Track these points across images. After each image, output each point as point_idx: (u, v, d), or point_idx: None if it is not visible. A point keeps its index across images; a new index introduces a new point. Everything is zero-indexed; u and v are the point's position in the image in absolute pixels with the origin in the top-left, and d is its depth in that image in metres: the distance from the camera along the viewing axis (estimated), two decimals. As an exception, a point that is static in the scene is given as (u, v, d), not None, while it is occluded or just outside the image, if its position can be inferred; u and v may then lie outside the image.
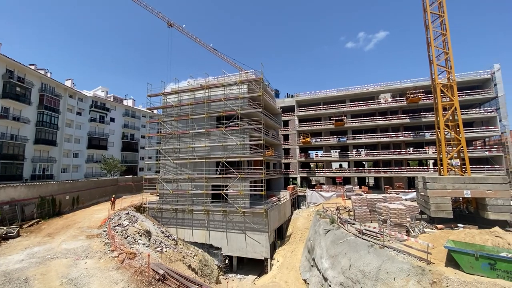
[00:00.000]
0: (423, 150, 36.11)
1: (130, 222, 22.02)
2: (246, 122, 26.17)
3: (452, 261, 10.66)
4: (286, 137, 44.39)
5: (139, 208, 28.00)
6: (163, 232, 23.12)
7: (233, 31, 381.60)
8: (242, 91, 26.63)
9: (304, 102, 43.87)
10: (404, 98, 36.88)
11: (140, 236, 20.34)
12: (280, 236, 27.43)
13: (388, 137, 37.61)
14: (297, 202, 35.32)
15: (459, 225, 14.59)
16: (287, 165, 43.61)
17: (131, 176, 43.76)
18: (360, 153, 41.10)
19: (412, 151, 37.78)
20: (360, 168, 41.25)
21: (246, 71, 32.66)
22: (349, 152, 40.04)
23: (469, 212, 16.19)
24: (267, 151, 30.74)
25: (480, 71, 35.12)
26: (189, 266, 19.06)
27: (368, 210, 18.88)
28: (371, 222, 18.04)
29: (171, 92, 29.67)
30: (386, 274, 11.57)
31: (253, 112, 26.51)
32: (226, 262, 23.38)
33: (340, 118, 39.33)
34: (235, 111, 25.61)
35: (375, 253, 13.09)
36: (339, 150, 44.80)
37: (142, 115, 60.55)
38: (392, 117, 37.93)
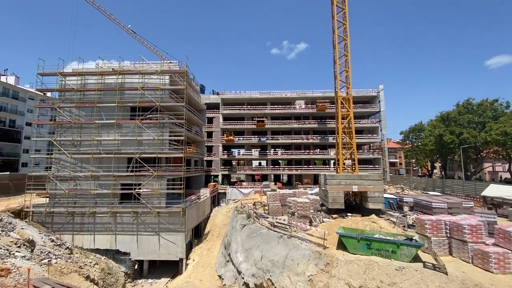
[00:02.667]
0: (327, 152, 42.20)
1: (2, 230, 17.34)
2: (167, 116, 24.50)
3: (341, 245, 12.78)
4: (209, 134, 43.92)
5: (19, 213, 22.38)
6: (53, 241, 19.18)
7: (160, 21, 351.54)
8: (163, 81, 24.76)
9: (229, 101, 44.42)
10: (315, 106, 42.08)
11: (19, 247, 16.27)
12: (197, 234, 26.92)
13: (300, 139, 42.22)
14: (217, 200, 35.43)
15: (348, 214, 17.67)
16: (210, 163, 43.22)
17: (8, 173, 34.49)
18: (277, 152, 44.63)
19: (319, 152, 43.51)
20: (276, 166, 44.81)
21: (169, 61, 30.60)
22: (267, 151, 42.88)
23: (356, 203, 19.83)
24: (189, 148, 29.64)
25: (369, 89, 43.48)
26: (88, 277, 16.48)
27: (280, 204, 20.62)
28: (282, 215, 19.78)
29: (72, 73, 24.87)
30: (291, 261, 12.90)
31: (175, 105, 25.06)
32: (136, 267, 21.32)
33: (261, 119, 41.62)
34: (154, 102, 23.59)
35: (284, 243, 14.43)
36: (259, 149, 47.36)
37: (29, 97, 48.67)
38: (305, 121, 42.78)
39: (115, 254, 21.43)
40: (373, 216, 15.48)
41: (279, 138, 42.67)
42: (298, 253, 13.13)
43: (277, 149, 48.87)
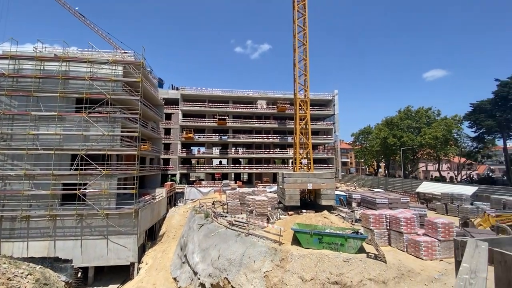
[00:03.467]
0: (286, 151, 43.67)
1: None
2: (119, 110, 22.69)
3: (296, 240, 13.34)
4: (167, 131, 41.95)
5: None
6: (-28, 251, 16.36)
7: (117, 15, 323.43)
8: (116, 73, 22.84)
9: (189, 97, 42.99)
10: (276, 106, 43.17)
11: None
12: (152, 236, 25.54)
13: (261, 138, 42.95)
14: (174, 200, 34.06)
15: (303, 210, 18.55)
16: (167, 161, 41.31)
17: None
18: (238, 151, 44.70)
19: (278, 151, 44.76)
20: (237, 165, 44.86)
21: (123, 51, 28.39)
22: (229, 150, 42.67)
23: (311, 200, 20.92)
24: (144, 145, 27.92)
25: (326, 93, 46.18)
26: (18, 290, 14.43)
27: (239, 203, 20.69)
28: (241, 214, 19.89)
29: (3, 56, 21.47)
30: (248, 258, 13.05)
31: (129, 99, 23.36)
32: (79, 275, 19.34)
33: (223, 117, 41.21)
34: (104, 95, 21.62)
35: (241, 241, 14.52)
36: (220, 148, 46.85)
37: None
38: (266, 121, 43.63)
39: (53, 262, 19.14)
40: (325, 212, 16.50)
41: (241, 137, 42.78)
42: (255, 250, 13.34)
43: (238, 148, 48.94)
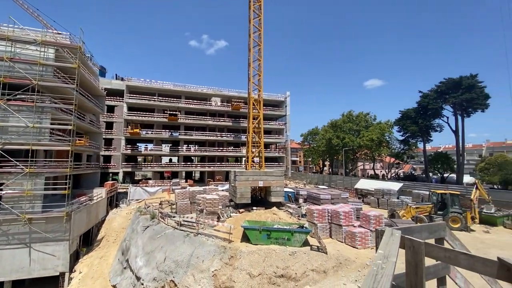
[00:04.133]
0: (239, 149, 43.94)
1: None
2: (48, 99, 19.78)
3: (246, 237, 13.53)
4: (109, 125, 38.14)
5: None
6: None
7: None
8: (46, 55, 19.83)
9: (137, 89, 39.80)
10: (230, 104, 43.02)
11: None
12: (88, 241, 23.00)
13: (215, 136, 42.34)
14: (115, 200, 31.25)
15: (254, 208, 18.93)
16: (108, 158, 37.60)
17: None
18: (190, 148, 43.25)
19: (232, 149, 44.76)
20: (188, 163, 43.34)
21: (56, 31, 24.77)
22: (180, 147, 40.94)
23: (261, 198, 21.47)
24: (80, 140, 24.90)
25: (279, 94, 47.85)
26: None
27: (189, 202, 20.05)
28: (191, 213, 19.31)
29: None
30: (196, 259, 12.74)
31: (62, 87, 20.55)
32: (-9, 292, 16.32)
33: (174, 112, 39.31)
34: (29, 80, 18.59)
35: (190, 241, 14.10)
36: (170, 145, 44.65)
37: None
38: (220, 119, 43.16)
39: (-47, 280, 15.77)
40: (274, 208, 17.13)
41: (193, 134, 41.46)
42: (204, 249, 13.10)
43: (191, 146, 47.39)
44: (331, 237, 14.64)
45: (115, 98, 38.14)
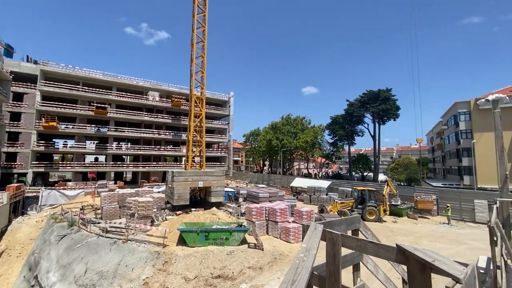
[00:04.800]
0: (179, 148, 41.89)
1: None
2: None
3: (182, 240, 12.95)
4: (16, 117, 31.44)
5: None
6: None
7: None
8: None
9: (55, 75, 33.85)
10: (170, 100, 40.63)
11: None
12: (-21, 259, 18.48)
13: (151, 133, 39.34)
14: (20, 207, 25.94)
15: (192, 209, 18.31)
16: (12, 156, 30.97)
17: None
18: (122, 146, 39.20)
19: (170, 148, 42.35)
20: (119, 162, 39.10)
21: None
22: (108, 145, 36.63)
23: (201, 198, 20.94)
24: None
25: (223, 94, 47.50)
26: None
27: (118, 206, 18.14)
28: (120, 218, 17.51)
29: None
30: (125, 267, 11.59)
31: None
32: None
33: (103, 105, 34.88)
34: None
35: (117, 249, 12.75)
36: (97, 142, 39.58)
37: None
38: (157, 115, 40.26)
39: None
40: (214, 208, 16.90)
41: (125, 130, 37.53)
42: (134, 257, 12.04)
43: (122, 143, 42.96)
44: (268, 233, 15.25)
45: (25, 84, 31.65)
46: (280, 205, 15.73)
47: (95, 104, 34.35)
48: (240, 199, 22.69)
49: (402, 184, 44.53)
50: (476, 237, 17.19)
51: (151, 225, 14.82)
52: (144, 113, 39.29)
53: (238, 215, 17.99)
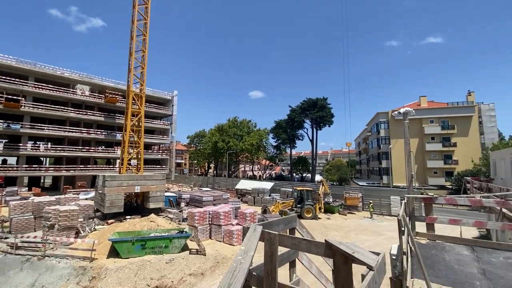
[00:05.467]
0: (113, 150, 37.85)
1: None
2: None
3: (114, 252, 11.70)
4: None
5: None
6: None
7: None
8: None
9: None
10: (103, 96, 36.46)
11: None
12: None
13: (79, 132, 34.52)
14: None
15: (127, 217, 16.71)
16: None
17: None
18: (40, 146, 33.36)
19: (103, 149, 37.98)
20: (35, 166, 33.10)
21: None
22: (21, 145, 30.76)
23: (137, 204, 19.30)
24: None
25: (165, 92, 44.88)
26: None
27: (33, 216, 15.37)
28: (35, 231, 14.87)
29: None
30: (40, 289, 9.88)
31: None
32: None
33: (14, 97, 29.13)
34: None
35: (32, 267, 10.82)
36: (6, 140, 32.82)
37: None
38: (87, 112, 35.61)
39: None
40: (152, 215, 15.79)
41: (45, 128, 32.05)
42: (54, 275, 10.38)
43: (40, 143, 36.59)
44: (211, 238, 15.00)
45: None
46: (224, 208, 15.66)
47: (5, 96, 28.51)
48: (182, 204, 21.74)
49: (334, 183, 49.42)
50: (392, 228, 20.19)
51: (75, 237, 13.00)
52: (70, 108, 34.29)
53: (179, 220, 17.21)
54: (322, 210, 24.62)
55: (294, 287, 3.54)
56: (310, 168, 56.44)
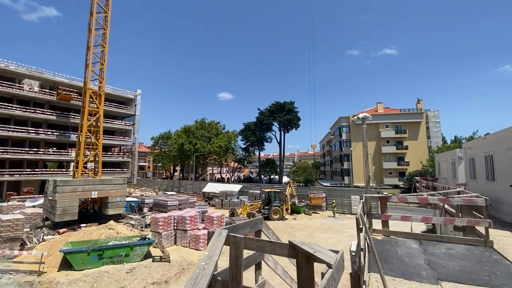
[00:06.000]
0: (66, 152, 34.58)
1: None
2: None
3: (67, 264, 10.68)
4: None
5: None
6: None
7: None
8: None
9: None
10: (56, 92, 33.19)
11: None
12: None
13: (26, 132, 30.91)
14: None
15: (82, 225, 15.35)
16: None
17: None
18: (-26, 148, 29.04)
19: (54, 151, 34.49)
20: (-32, 170, 28.82)
21: None
22: (-50, 146, 26.56)
23: (94, 211, 17.86)
24: None
25: (127, 91, 42.36)
26: None
27: (-36, 229, 13.31)
28: (-33, 246, 12.90)
29: None
30: (-29, 313, 8.60)
31: None
32: None
33: None
34: None
35: (-40, 289, 9.34)
36: None
37: None
38: (36, 109, 32.09)
39: None
40: (111, 222, 14.73)
41: (-18, 126, 28.19)
42: (-10, 295, 9.10)
43: (-25, 143, 31.94)
44: (176, 244, 14.46)
45: None
46: (190, 213, 15.22)
47: None
48: (145, 209, 20.62)
49: (301, 184, 51.05)
50: (353, 226, 21.42)
51: (20, 250, 11.59)
52: (16, 105, 30.60)
53: (142, 227, 16.30)
54: (289, 211, 25.22)
55: (260, 289, 3.58)
56: (278, 170, 57.58)
